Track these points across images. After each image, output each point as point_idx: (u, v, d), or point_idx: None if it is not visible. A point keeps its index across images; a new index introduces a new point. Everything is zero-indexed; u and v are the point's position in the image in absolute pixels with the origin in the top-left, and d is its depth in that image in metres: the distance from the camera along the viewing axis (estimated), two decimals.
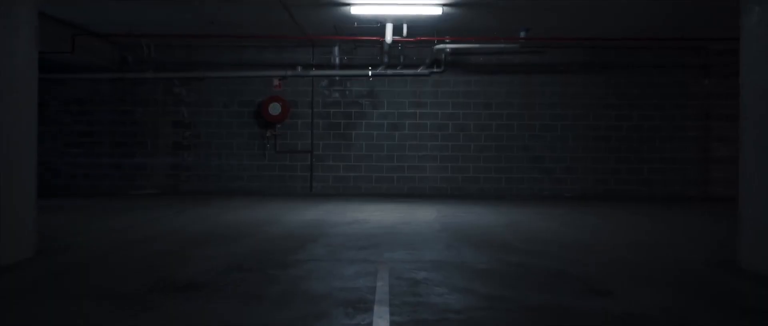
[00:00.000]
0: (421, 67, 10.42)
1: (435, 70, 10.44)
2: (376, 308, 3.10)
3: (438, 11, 8.01)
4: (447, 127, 10.65)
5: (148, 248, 4.81)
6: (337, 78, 10.69)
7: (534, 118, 10.64)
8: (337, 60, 10.67)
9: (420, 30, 9.28)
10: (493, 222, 6.69)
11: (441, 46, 9.82)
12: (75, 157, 10.85)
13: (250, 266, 4.07)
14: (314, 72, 10.60)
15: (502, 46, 9.78)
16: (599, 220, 7.09)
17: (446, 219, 6.90)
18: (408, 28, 9.07)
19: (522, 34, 9.25)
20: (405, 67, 10.43)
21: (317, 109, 10.69)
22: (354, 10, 8.08)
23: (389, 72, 10.44)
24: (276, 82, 10.61)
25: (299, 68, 10.56)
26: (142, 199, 9.34)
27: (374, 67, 10.46)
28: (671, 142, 10.60)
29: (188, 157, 10.74)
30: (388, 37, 9.06)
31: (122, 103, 10.82)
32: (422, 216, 7.26)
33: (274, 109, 10.39)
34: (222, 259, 4.34)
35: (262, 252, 4.70)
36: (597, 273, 3.97)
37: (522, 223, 6.67)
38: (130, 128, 10.83)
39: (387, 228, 6.07)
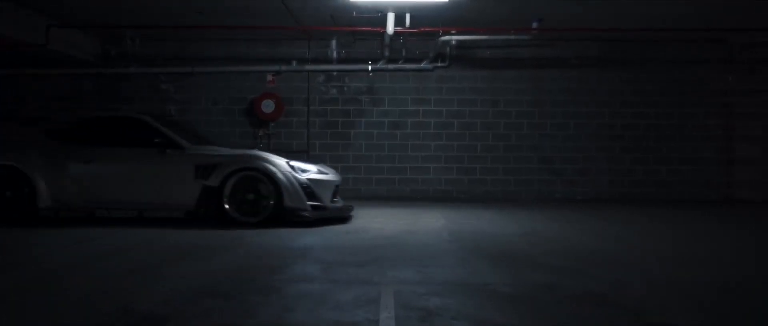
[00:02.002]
0: (425, 62, 9.75)
1: (439, 64, 9.77)
2: None
3: None
4: (452, 125, 9.99)
5: (110, 265, 4.13)
6: (335, 73, 10.02)
7: (544, 115, 9.98)
8: (335, 54, 10.00)
9: (424, 20, 8.61)
10: (507, 231, 6.01)
11: (446, 37, 9.15)
12: None
13: (227, 290, 3.39)
14: (310, 67, 9.92)
15: (513, 37, 9.10)
16: (622, 228, 6.42)
17: (455, 227, 6.23)
18: (411, 18, 8.42)
19: (534, 25, 8.59)
20: (407, 61, 9.76)
21: (313, 107, 10.02)
22: None
23: (390, 67, 9.77)
24: (270, 77, 9.93)
25: (294, 63, 9.90)
26: None
27: (374, 61, 9.80)
28: (691, 142, 9.94)
29: None
30: (390, 27, 8.39)
31: (105, 100, 10.14)
32: (428, 223, 6.59)
33: (268, 106, 9.72)
34: (195, 280, 3.65)
35: (244, 269, 4.02)
36: (646, 298, 3.29)
37: (539, 231, 6.00)
38: None
39: (389, 239, 5.39)
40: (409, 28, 8.63)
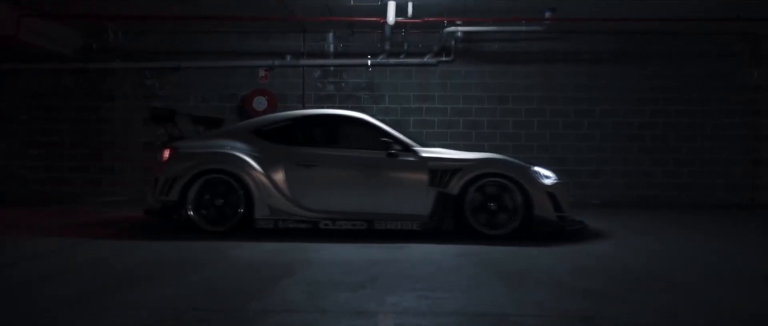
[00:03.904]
0: (428, 56, 9.10)
1: (443, 58, 9.12)
2: None
3: None
4: (457, 124, 9.34)
5: (59, 287, 3.48)
6: (332, 68, 9.37)
7: (556, 114, 9.33)
8: (332, 48, 9.36)
9: (427, 10, 7.97)
10: (522, 242, 5.34)
11: (451, 29, 8.50)
12: (34, 159, 9.52)
13: (187, 323, 2.74)
14: (305, 61, 9.28)
15: (523, 29, 8.45)
16: (651, 237, 5.76)
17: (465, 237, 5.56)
18: (413, 7, 7.77)
19: (546, 16, 7.94)
20: (409, 55, 9.11)
21: (309, 104, 9.37)
22: None
23: (391, 61, 9.12)
24: (262, 72, 9.29)
25: (288, 57, 9.26)
26: (106, 208, 8.01)
27: (374, 55, 9.15)
28: (714, 142, 9.28)
29: None
30: (391, 17, 7.77)
31: (87, 97, 9.52)
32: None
33: (260, 103, 9.10)
34: (152, 308, 3.00)
35: (215, 293, 3.37)
36: None
37: (559, 242, 5.33)
38: (96, 125, 9.52)
39: (389, 252, 4.74)
40: (412, 18, 7.99)
